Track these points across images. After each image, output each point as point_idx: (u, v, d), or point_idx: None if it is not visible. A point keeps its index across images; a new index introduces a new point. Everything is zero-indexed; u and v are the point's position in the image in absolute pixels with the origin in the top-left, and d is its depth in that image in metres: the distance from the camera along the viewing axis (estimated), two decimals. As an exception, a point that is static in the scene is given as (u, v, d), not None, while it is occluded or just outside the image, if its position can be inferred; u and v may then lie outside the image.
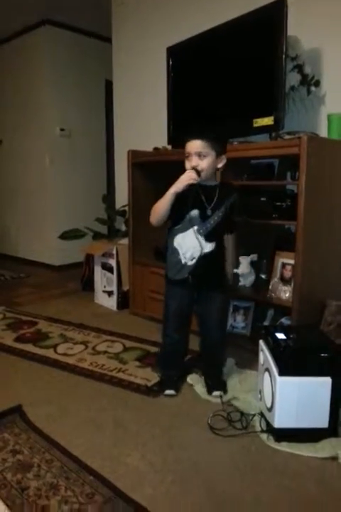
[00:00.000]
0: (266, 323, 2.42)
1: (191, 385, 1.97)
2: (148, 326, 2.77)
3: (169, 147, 2.88)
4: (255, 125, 2.29)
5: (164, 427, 1.67)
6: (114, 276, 3.20)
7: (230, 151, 2.31)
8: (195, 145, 1.75)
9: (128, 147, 3.01)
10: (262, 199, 2.30)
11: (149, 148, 2.94)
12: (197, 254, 1.81)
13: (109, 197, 4.05)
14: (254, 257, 2.45)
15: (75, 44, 4.55)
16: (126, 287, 3.17)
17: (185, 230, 1.81)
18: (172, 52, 2.80)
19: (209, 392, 1.89)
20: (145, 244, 3.01)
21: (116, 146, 3.82)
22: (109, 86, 4.34)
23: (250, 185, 2.39)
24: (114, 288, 3.22)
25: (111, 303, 3.25)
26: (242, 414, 1.69)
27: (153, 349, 2.37)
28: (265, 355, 1.67)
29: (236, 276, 2.50)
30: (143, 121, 3.51)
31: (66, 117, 4.56)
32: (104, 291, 3.33)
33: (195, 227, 1.79)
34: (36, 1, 3.83)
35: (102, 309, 3.25)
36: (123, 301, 3.17)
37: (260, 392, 1.72)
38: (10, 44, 4.77)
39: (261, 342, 1.74)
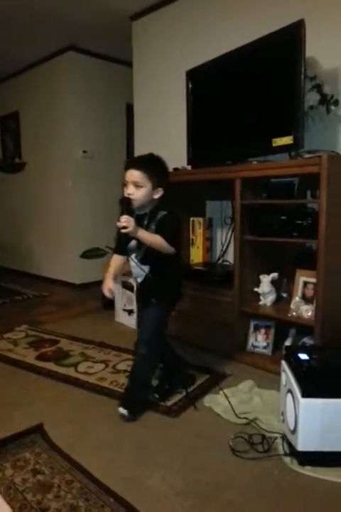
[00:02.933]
0: (287, 343, 2.39)
1: (210, 407, 1.94)
2: (168, 346, 2.75)
3: (189, 167, 2.91)
4: (274, 144, 2.30)
5: (184, 448, 1.65)
6: (134, 295, 3.21)
7: (249, 170, 2.35)
8: (132, 175, 1.84)
9: (148, 168, 3.04)
10: (282, 218, 2.29)
11: (169, 169, 2.96)
12: (141, 276, 1.97)
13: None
14: (275, 275, 2.43)
15: (97, 69, 4.67)
16: (146, 306, 3.17)
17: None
18: (192, 75, 2.84)
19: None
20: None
21: (137, 167, 3.87)
22: (129, 109, 4.43)
23: (269, 203, 2.38)
24: (134, 307, 3.23)
25: (131, 321, 3.26)
26: (264, 436, 1.66)
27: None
28: (287, 376, 1.64)
29: (257, 294, 2.49)
30: (163, 142, 3.55)
31: (88, 140, 4.66)
32: (124, 310, 3.35)
33: (133, 255, 1.95)
34: (62, 29, 3.98)
35: (122, 328, 3.26)
36: (144, 320, 3.18)
37: (282, 414, 1.69)
38: (36, 69, 4.94)
39: (283, 362, 1.72)
